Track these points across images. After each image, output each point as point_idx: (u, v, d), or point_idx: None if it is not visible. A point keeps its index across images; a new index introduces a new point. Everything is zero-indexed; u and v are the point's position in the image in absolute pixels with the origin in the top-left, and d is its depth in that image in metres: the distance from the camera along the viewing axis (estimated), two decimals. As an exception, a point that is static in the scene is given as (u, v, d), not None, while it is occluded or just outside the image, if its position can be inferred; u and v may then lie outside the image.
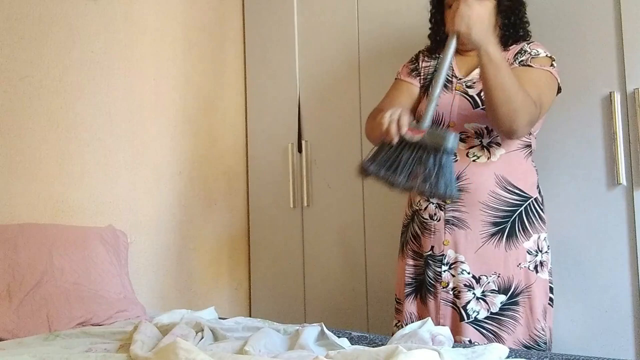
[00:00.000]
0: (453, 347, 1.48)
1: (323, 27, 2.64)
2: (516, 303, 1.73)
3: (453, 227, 1.78)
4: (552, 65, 1.76)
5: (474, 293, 1.74)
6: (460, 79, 1.82)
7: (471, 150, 1.77)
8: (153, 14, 2.58)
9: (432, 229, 1.81)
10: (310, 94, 2.67)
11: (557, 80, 1.77)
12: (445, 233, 1.78)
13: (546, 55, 1.77)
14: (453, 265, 1.77)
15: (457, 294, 1.76)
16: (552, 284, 1.81)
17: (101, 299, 1.99)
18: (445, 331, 1.56)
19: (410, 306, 1.87)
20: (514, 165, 1.78)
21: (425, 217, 1.83)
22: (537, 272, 1.76)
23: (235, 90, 2.90)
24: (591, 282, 1.97)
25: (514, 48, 1.80)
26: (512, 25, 1.82)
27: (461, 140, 1.75)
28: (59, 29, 2.26)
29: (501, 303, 1.73)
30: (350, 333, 1.73)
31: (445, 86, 1.79)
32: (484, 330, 1.72)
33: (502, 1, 1.80)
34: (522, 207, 1.77)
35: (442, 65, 1.64)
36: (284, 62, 2.75)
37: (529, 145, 1.83)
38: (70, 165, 2.26)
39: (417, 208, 1.86)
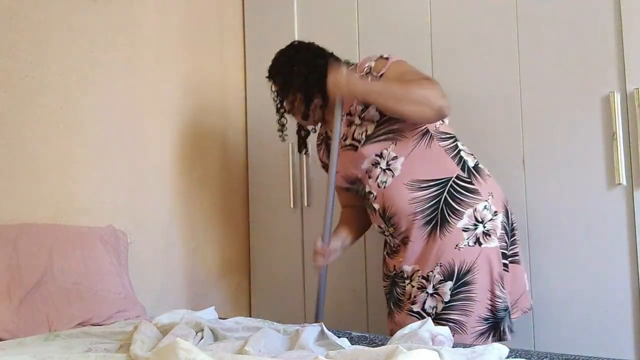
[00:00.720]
0: (453, 347, 1.48)
1: (323, 27, 2.64)
2: (465, 283, 1.77)
3: (404, 245, 1.88)
4: (387, 59, 1.85)
5: (427, 292, 1.80)
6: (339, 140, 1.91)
7: (378, 180, 1.86)
8: (153, 14, 2.58)
9: (397, 251, 1.93)
10: (310, 94, 2.66)
11: (403, 60, 1.86)
12: (402, 250, 1.89)
13: (375, 60, 1.87)
14: (412, 277, 1.86)
15: (412, 301, 1.83)
16: (505, 249, 1.82)
17: (101, 299, 1.99)
18: (445, 331, 1.56)
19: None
20: (417, 162, 1.84)
21: (390, 244, 1.97)
22: (480, 244, 1.78)
23: (235, 90, 2.90)
24: (591, 282, 1.97)
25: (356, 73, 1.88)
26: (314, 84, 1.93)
27: (369, 177, 1.88)
28: (59, 29, 2.26)
29: (450, 290, 1.77)
30: (350, 333, 1.73)
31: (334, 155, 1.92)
32: (445, 322, 1.74)
33: (301, 89, 1.98)
34: (445, 192, 1.82)
35: (335, 134, 1.87)
36: (284, 62, 2.74)
37: (426, 132, 1.85)
38: (70, 165, 2.26)
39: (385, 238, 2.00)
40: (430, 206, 1.81)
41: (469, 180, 1.83)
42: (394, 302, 1.93)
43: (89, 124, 2.33)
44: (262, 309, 2.81)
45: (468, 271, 1.77)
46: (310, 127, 2.13)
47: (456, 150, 1.87)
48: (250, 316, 2.65)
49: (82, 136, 2.31)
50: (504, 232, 1.82)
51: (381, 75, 1.82)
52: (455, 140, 1.90)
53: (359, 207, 2.04)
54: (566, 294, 2.02)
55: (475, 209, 1.80)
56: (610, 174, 1.94)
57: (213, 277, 2.76)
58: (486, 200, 1.82)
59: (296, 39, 2.68)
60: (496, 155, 2.17)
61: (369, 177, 1.88)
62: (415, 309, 1.81)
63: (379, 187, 1.86)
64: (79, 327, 1.84)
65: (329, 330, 1.61)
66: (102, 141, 2.36)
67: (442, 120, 1.87)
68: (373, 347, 1.44)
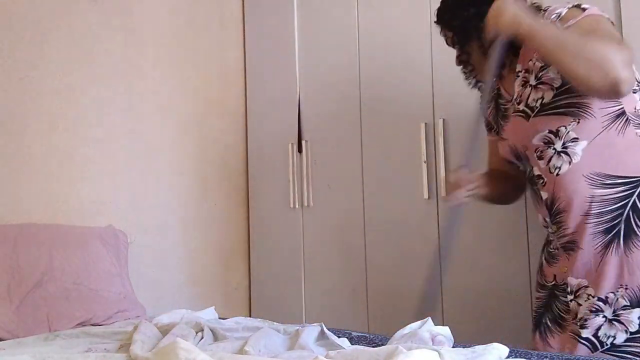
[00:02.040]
0: (453, 347, 1.48)
1: (323, 27, 2.64)
2: None
3: (570, 252, 1.51)
4: (584, 10, 1.44)
5: (604, 316, 1.45)
6: (510, 100, 1.59)
7: (550, 165, 1.50)
8: (153, 14, 2.58)
9: (556, 257, 1.57)
10: (310, 94, 2.67)
11: (603, 17, 1.44)
12: (564, 258, 1.53)
13: (568, 8, 1.46)
14: (577, 293, 1.50)
15: (582, 324, 1.48)
16: None
17: (101, 299, 1.99)
18: (445, 331, 1.56)
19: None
20: (605, 150, 1.45)
21: (550, 247, 1.61)
22: None
23: (235, 90, 2.90)
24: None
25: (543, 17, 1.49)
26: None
27: (538, 158, 1.53)
28: (59, 29, 2.26)
29: (639, 319, 1.42)
30: (350, 333, 1.72)
31: (505, 117, 1.61)
32: (629, 356, 1.42)
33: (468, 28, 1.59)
34: (635, 196, 1.43)
35: (489, 75, 1.54)
36: (284, 62, 2.75)
37: (621, 114, 1.44)
38: (70, 165, 2.26)
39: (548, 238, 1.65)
40: (614, 210, 1.43)
41: None
42: (552, 318, 1.57)
43: (89, 124, 2.33)
44: (262, 309, 2.81)
45: None
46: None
47: None
48: (250, 316, 2.65)
49: (82, 136, 2.31)
50: None
51: (568, 26, 1.42)
52: None
53: (510, 178, 1.70)
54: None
55: None
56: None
57: (213, 277, 2.76)
58: None
59: (296, 39, 2.69)
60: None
61: (539, 158, 1.52)
62: (584, 335, 1.46)
63: (550, 172, 1.50)
64: (79, 327, 1.84)
65: (329, 330, 1.61)
66: (102, 141, 2.36)
67: None
68: (373, 347, 1.44)
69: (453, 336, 1.57)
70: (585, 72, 1.34)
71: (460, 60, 1.68)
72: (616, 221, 1.44)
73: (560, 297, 1.55)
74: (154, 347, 1.46)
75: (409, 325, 1.57)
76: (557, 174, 1.49)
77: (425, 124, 2.29)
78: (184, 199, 2.66)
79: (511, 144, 1.60)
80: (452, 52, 2.28)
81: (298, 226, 2.69)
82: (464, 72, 1.69)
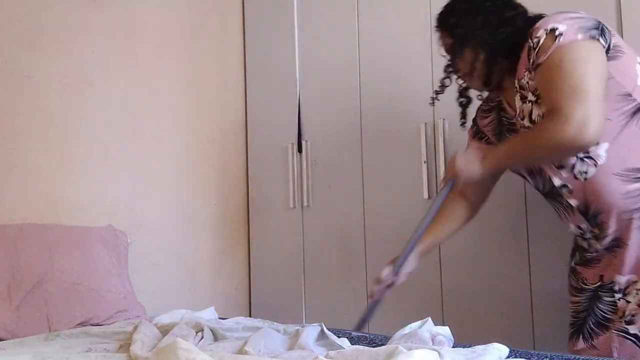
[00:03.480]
0: (453, 347, 1.48)
1: (323, 27, 2.64)
2: None
3: (615, 250, 1.49)
4: (556, 39, 1.39)
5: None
6: (515, 116, 1.59)
7: (575, 171, 1.47)
8: (153, 14, 2.58)
9: (597, 259, 1.55)
10: (310, 94, 2.67)
11: (576, 44, 1.39)
12: (608, 258, 1.52)
13: (546, 34, 1.41)
14: (627, 291, 1.48)
15: (630, 320, 1.46)
16: None
17: (101, 299, 1.99)
18: (445, 331, 1.56)
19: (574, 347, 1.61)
20: (630, 146, 1.42)
21: (587, 253, 1.59)
22: None
23: (235, 90, 2.90)
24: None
25: (524, 51, 1.49)
26: (502, 41, 1.54)
27: (558, 167, 1.50)
28: (59, 29, 2.26)
29: None
30: (350, 333, 1.72)
31: (512, 131, 1.61)
32: None
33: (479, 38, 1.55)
34: None
35: (430, 211, 1.67)
36: (284, 62, 2.75)
37: (636, 112, 1.42)
38: (70, 165, 2.26)
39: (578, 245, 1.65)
40: None
41: None
42: (596, 321, 1.54)
43: (89, 124, 2.33)
44: (262, 309, 2.81)
45: None
46: (477, 93, 1.74)
47: None
48: (250, 316, 2.65)
49: (82, 136, 2.31)
50: None
51: (537, 65, 1.43)
52: None
53: (473, 204, 1.78)
54: (566, 294, 2.01)
55: None
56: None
57: (213, 277, 2.76)
58: None
59: (296, 39, 2.69)
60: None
61: (559, 167, 1.50)
62: (632, 331, 1.45)
63: (576, 178, 1.47)
64: (79, 327, 1.84)
65: (328, 330, 1.61)
66: (102, 141, 2.36)
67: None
68: (373, 347, 1.44)
69: (453, 336, 1.58)
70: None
71: (451, 69, 1.65)
72: None
73: (605, 298, 1.52)
74: (154, 347, 1.46)
75: (409, 325, 1.57)
76: (585, 179, 1.46)
77: (425, 124, 2.29)
78: (184, 199, 2.65)
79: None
80: (452, 52, 2.28)
81: (298, 226, 2.69)
82: (449, 74, 1.68)
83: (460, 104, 1.75)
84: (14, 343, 1.63)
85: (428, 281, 2.28)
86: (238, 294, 2.85)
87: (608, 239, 1.49)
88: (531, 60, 1.44)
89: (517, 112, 1.54)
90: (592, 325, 1.55)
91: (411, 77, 2.36)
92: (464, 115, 1.75)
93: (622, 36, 1.92)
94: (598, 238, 1.51)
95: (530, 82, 1.48)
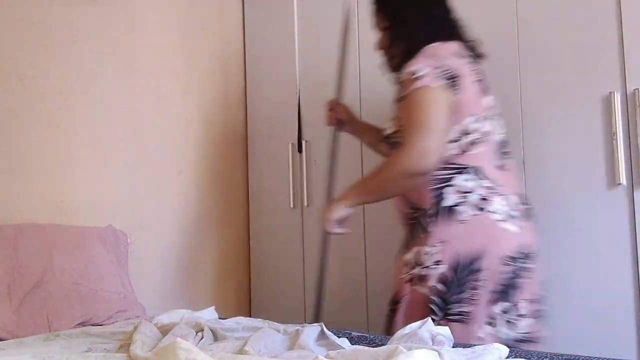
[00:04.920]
0: (453, 347, 1.48)
1: (323, 27, 2.64)
2: (393, 310, 1.82)
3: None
4: (415, 78, 1.68)
5: None
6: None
7: None
8: (153, 14, 2.58)
9: None
10: (310, 94, 2.66)
11: (428, 90, 1.67)
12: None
13: (407, 74, 1.72)
14: None
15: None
16: (438, 303, 1.69)
17: (101, 299, 1.99)
18: (445, 331, 1.56)
19: None
20: None
21: None
22: (412, 284, 1.75)
23: (235, 89, 2.90)
24: (592, 282, 1.97)
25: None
26: (396, 38, 1.86)
27: None
28: (59, 29, 2.26)
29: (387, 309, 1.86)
30: (350, 333, 1.72)
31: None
32: None
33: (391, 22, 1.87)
34: (413, 221, 1.81)
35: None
36: (284, 62, 2.75)
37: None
38: (70, 165, 2.26)
39: None
40: (406, 227, 1.86)
41: (429, 220, 1.73)
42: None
43: (89, 124, 2.33)
44: (262, 309, 2.81)
45: (397, 302, 1.80)
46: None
47: (444, 184, 1.72)
48: (250, 316, 2.65)
49: (82, 136, 2.31)
50: (440, 286, 1.68)
51: (399, 99, 1.77)
52: (458, 173, 1.72)
53: None
54: (566, 294, 2.02)
55: (420, 251, 1.74)
56: (611, 174, 1.94)
57: (213, 277, 2.76)
58: (433, 247, 1.71)
59: (296, 39, 2.69)
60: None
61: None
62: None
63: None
64: (79, 327, 1.84)
65: (329, 330, 1.61)
66: (102, 141, 2.36)
67: (465, 149, 1.73)
68: (373, 347, 1.44)
69: (452, 336, 1.57)
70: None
71: (382, 48, 1.90)
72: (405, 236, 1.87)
73: None
74: (154, 347, 1.46)
75: (409, 325, 1.57)
76: None
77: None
78: (184, 199, 2.65)
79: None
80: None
81: (298, 226, 2.69)
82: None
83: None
84: (14, 343, 1.63)
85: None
86: (238, 294, 2.85)
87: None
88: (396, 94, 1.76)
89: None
90: None
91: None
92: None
93: (622, 36, 1.93)
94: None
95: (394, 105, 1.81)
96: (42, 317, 1.83)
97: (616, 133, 1.92)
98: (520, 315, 1.70)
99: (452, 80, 1.69)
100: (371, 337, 1.67)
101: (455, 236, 1.69)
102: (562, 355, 1.41)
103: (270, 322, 1.85)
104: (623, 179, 1.91)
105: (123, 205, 2.41)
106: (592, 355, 1.44)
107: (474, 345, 1.48)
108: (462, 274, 1.67)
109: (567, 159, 2.03)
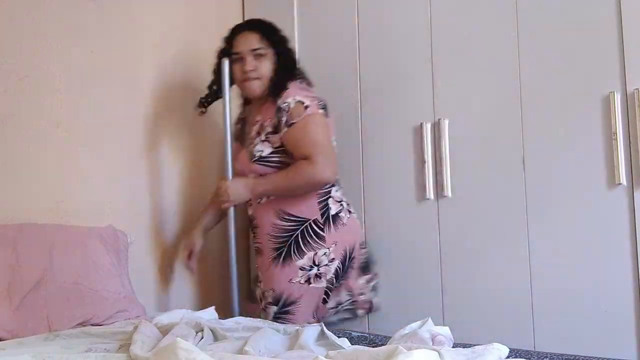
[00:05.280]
0: (453, 347, 1.48)
1: (323, 27, 2.64)
2: (287, 312, 2.13)
3: (257, 254, 2.26)
4: (305, 107, 2.06)
5: (262, 306, 2.21)
6: (249, 134, 2.22)
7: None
8: (153, 14, 2.58)
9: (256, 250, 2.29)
10: (310, 94, 2.66)
11: (317, 115, 2.09)
12: (256, 258, 2.29)
13: (296, 103, 2.07)
14: (258, 283, 2.27)
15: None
16: (330, 288, 2.14)
17: (101, 299, 1.99)
18: (445, 331, 1.56)
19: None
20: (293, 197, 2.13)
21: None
22: (310, 283, 2.12)
23: (235, 89, 2.89)
24: (592, 282, 1.97)
25: (280, 100, 2.10)
26: (284, 69, 2.18)
27: None
28: (59, 29, 2.26)
29: (274, 312, 2.14)
30: (351, 333, 1.73)
31: (243, 140, 2.25)
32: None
33: (278, 53, 2.21)
34: (298, 231, 2.14)
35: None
36: (284, 62, 2.74)
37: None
38: (70, 165, 2.26)
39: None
40: (284, 237, 2.15)
41: (322, 227, 2.14)
42: (253, 297, 2.34)
43: (89, 124, 2.33)
44: (262, 309, 2.80)
45: (292, 303, 2.13)
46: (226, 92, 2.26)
47: (326, 196, 2.16)
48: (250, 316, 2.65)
49: (82, 136, 2.30)
50: (334, 276, 2.14)
51: (291, 124, 2.06)
52: (332, 186, 2.17)
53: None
54: (566, 294, 2.02)
55: (316, 253, 2.12)
56: (610, 174, 1.94)
57: (213, 277, 2.76)
58: (328, 248, 2.13)
59: (296, 39, 2.69)
60: (496, 155, 2.17)
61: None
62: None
63: (256, 200, 2.21)
64: (79, 327, 1.84)
65: (329, 330, 1.61)
66: (102, 141, 2.36)
67: None
68: (373, 347, 1.45)
69: (453, 336, 1.58)
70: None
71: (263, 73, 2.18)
72: (282, 245, 2.16)
73: (258, 283, 2.31)
74: (154, 347, 1.46)
75: (409, 325, 1.57)
76: (259, 203, 2.22)
77: (426, 123, 2.30)
78: (184, 199, 2.65)
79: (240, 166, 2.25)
80: (452, 51, 2.29)
81: (298, 226, 2.68)
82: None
83: (210, 91, 2.35)
84: (13, 343, 1.63)
85: (428, 281, 2.28)
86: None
87: (256, 245, 2.31)
88: (283, 119, 2.06)
89: (252, 132, 2.18)
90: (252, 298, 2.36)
91: (411, 77, 2.36)
92: (206, 103, 2.38)
93: (622, 36, 1.93)
94: (254, 238, 2.32)
95: (267, 127, 2.12)
96: (42, 317, 1.83)
97: (616, 133, 1.92)
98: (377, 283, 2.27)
99: (325, 109, 2.15)
100: (371, 337, 1.68)
101: (342, 237, 2.16)
102: (562, 355, 1.41)
103: (270, 322, 1.85)
104: (623, 179, 1.91)
105: (123, 205, 2.41)
106: (592, 355, 1.44)
107: (474, 345, 1.48)
108: (347, 264, 2.17)
109: (567, 159, 2.03)
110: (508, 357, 1.35)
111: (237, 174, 2.24)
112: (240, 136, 2.32)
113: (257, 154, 2.15)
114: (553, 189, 2.06)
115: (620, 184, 1.92)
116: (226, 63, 2.21)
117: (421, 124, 2.31)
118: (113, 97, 2.41)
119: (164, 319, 1.83)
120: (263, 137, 2.15)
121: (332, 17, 2.61)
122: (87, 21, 2.34)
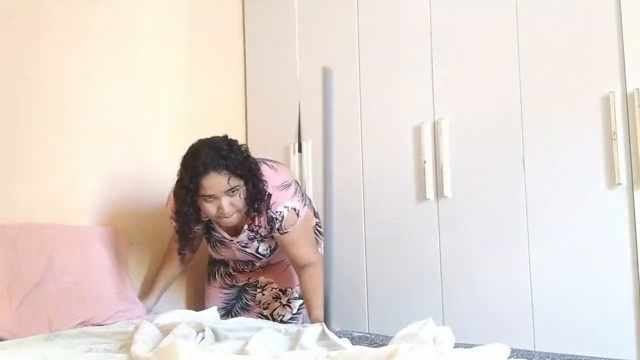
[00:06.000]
0: (454, 347, 1.48)
1: (323, 27, 2.64)
2: (303, 305, 2.23)
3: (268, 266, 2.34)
4: (298, 215, 2.12)
5: (280, 302, 2.30)
6: (232, 240, 2.18)
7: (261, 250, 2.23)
8: (153, 14, 2.58)
9: (249, 271, 2.36)
10: (310, 94, 2.66)
11: (307, 216, 2.19)
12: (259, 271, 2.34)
13: (289, 210, 2.10)
14: (265, 287, 2.33)
15: (265, 306, 2.31)
16: None
17: (101, 299, 1.99)
18: (445, 331, 1.56)
19: None
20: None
21: (235, 270, 2.39)
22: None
23: (235, 90, 2.89)
24: (592, 282, 1.98)
25: (270, 210, 2.08)
26: (256, 191, 2.06)
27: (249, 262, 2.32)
28: (59, 29, 2.26)
29: (300, 305, 2.29)
30: (352, 333, 1.73)
31: (223, 243, 2.22)
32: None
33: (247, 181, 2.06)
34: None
35: None
36: (284, 62, 2.75)
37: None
38: (70, 166, 2.26)
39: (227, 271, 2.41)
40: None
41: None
42: (241, 306, 2.37)
43: (89, 124, 2.33)
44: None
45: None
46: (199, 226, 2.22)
47: (312, 208, 2.33)
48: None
49: (82, 136, 2.30)
50: None
51: (286, 232, 2.10)
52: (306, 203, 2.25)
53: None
54: (566, 294, 2.02)
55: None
56: (610, 174, 1.94)
57: (213, 277, 2.76)
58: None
59: (296, 39, 2.69)
60: (496, 155, 2.17)
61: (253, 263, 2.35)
62: (265, 313, 2.31)
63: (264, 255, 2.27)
64: (80, 327, 1.84)
65: (329, 330, 1.61)
66: (102, 141, 2.36)
67: None
68: (374, 347, 1.45)
69: (453, 336, 1.58)
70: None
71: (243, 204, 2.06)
72: None
73: (250, 291, 2.37)
74: (155, 347, 1.46)
75: (409, 326, 1.57)
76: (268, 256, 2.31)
77: (426, 123, 2.30)
78: (184, 199, 2.65)
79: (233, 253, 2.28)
80: (452, 51, 2.29)
81: (298, 226, 2.68)
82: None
83: (184, 234, 2.21)
84: (14, 343, 1.63)
85: (428, 281, 2.29)
86: (238, 293, 2.84)
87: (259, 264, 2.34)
88: (276, 226, 2.09)
89: (237, 239, 2.16)
90: (237, 309, 2.37)
91: (411, 77, 2.36)
92: (186, 245, 2.27)
93: (622, 36, 1.94)
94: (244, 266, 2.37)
95: (264, 233, 2.14)
96: (42, 317, 1.83)
97: (616, 133, 1.93)
98: None
99: (310, 203, 2.28)
100: (372, 337, 1.68)
101: None
102: (562, 355, 1.41)
103: (271, 322, 1.85)
104: (623, 179, 1.92)
105: (123, 205, 2.41)
106: (592, 356, 1.45)
107: (475, 345, 1.48)
108: None
109: (567, 159, 2.03)
110: (509, 357, 1.35)
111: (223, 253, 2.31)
112: (206, 235, 2.29)
113: (264, 253, 2.24)
114: (553, 189, 2.06)
115: (620, 184, 1.92)
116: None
117: (421, 124, 2.31)
118: (113, 96, 2.41)
119: (165, 319, 1.83)
120: (260, 238, 2.18)
121: (332, 17, 2.61)
122: (87, 21, 2.34)
